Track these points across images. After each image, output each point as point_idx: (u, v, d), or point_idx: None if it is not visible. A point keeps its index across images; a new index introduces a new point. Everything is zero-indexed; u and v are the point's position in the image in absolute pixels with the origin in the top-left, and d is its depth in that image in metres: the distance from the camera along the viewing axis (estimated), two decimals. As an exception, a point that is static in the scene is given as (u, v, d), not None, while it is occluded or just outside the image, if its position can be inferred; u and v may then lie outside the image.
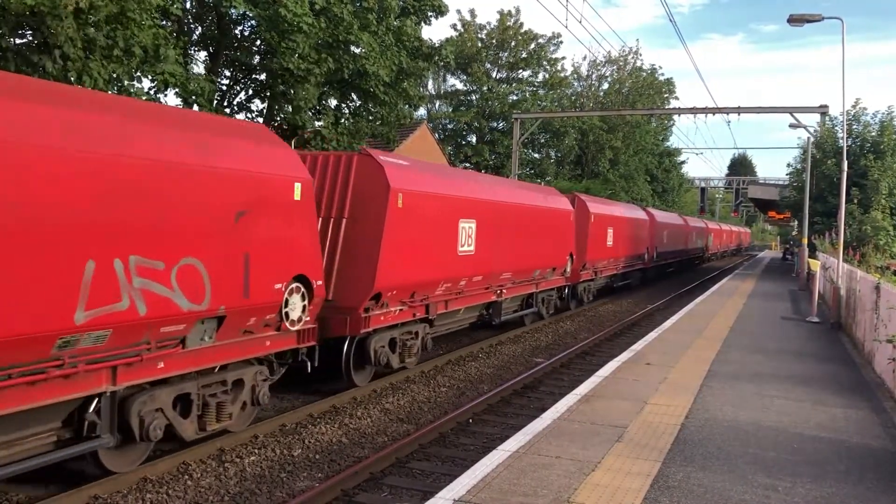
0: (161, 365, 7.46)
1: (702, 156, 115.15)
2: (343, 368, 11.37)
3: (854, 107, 31.90)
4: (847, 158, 21.34)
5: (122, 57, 14.04)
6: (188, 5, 20.96)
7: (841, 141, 26.25)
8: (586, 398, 9.69)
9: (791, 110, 31.02)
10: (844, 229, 21.61)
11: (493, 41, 47.65)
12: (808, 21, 19.50)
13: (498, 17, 48.32)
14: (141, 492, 7.46)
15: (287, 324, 9.12)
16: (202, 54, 23.02)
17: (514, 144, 38.20)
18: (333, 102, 24.17)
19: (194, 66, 21.66)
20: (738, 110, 33.39)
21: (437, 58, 25.46)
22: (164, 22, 18.30)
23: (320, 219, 10.93)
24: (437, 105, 48.91)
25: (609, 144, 50.22)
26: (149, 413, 7.54)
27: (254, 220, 8.29)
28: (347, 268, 10.93)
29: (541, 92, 48.27)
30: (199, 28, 22.52)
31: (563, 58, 64.62)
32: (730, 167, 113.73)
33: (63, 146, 6.20)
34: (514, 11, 51.40)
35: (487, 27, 47.90)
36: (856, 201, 28.22)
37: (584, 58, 72.68)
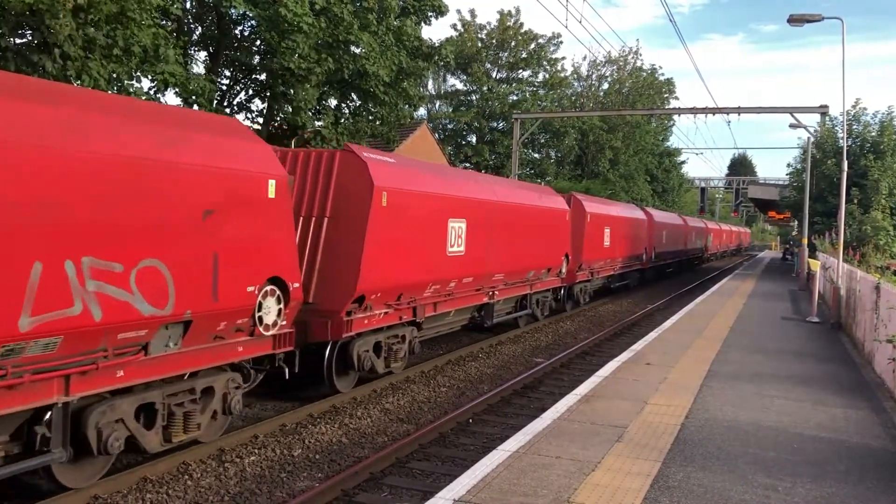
0: (121, 373, 6.98)
1: (702, 156, 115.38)
2: (325, 374, 10.94)
3: (854, 107, 31.99)
4: (847, 158, 21.35)
5: (122, 56, 14.05)
6: (188, 5, 20.99)
7: (841, 141, 26.26)
8: (586, 398, 9.69)
9: (791, 110, 31.03)
10: (844, 229, 21.62)
11: (493, 41, 47.67)
12: (808, 21, 19.52)
13: (498, 17, 48.44)
14: (141, 492, 7.46)
15: (261, 329, 8.59)
16: (202, 54, 23.09)
17: (514, 144, 38.21)
18: (333, 102, 24.20)
19: (194, 66, 21.68)
20: (738, 110, 33.40)
21: (436, 57, 25.49)
22: (164, 22, 18.31)
23: (301, 218, 10.64)
24: (437, 105, 48.95)
25: (609, 144, 50.24)
26: (108, 424, 7.08)
27: (223, 218, 7.80)
28: (329, 269, 10.51)
29: (541, 92, 48.30)
30: (199, 28, 22.56)
31: (563, 58, 64.83)
32: (730, 167, 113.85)
33: (3, 138, 5.74)
34: (514, 11, 51.50)
35: (487, 27, 47.97)
36: (856, 201, 28.24)
37: (584, 58, 72.89)
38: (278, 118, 22.61)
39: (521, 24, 47.79)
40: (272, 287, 8.67)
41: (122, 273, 6.65)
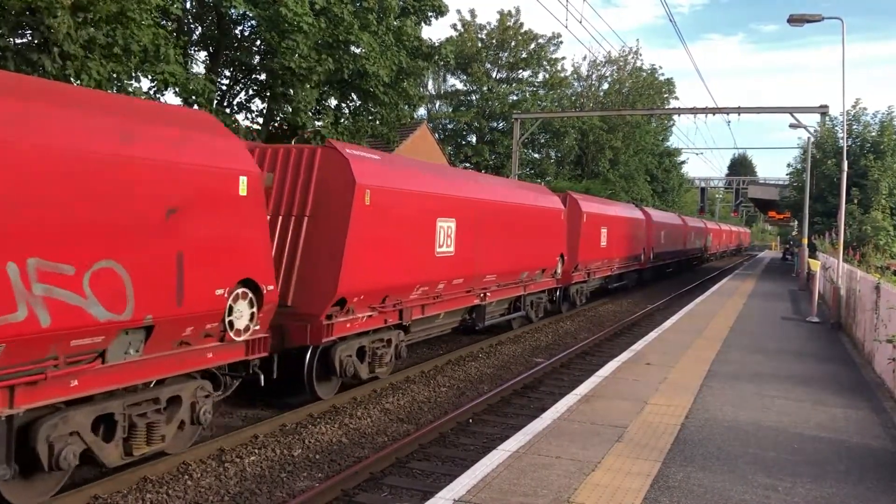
0: (74, 383, 6.49)
1: (702, 156, 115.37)
2: (305, 380, 10.50)
3: (854, 107, 32.00)
4: (847, 158, 21.36)
5: (122, 56, 14.04)
6: (188, 5, 20.98)
7: (841, 141, 26.26)
8: (586, 398, 9.69)
9: (791, 110, 31.04)
10: (844, 229, 21.62)
11: (493, 41, 47.68)
12: (808, 21, 19.52)
13: (498, 17, 48.44)
14: (141, 492, 7.45)
15: (232, 334, 8.12)
16: (202, 54, 23.06)
17: (514, 144, 38.21)
18: (333, 102, 24.19)
19: (194, 66, 21.68)
20: (738, 110, 33.40)
21: (436, 57, 25.47)
22: (164, 21, 18.31)
23: (280, 217, 10.27)
24: (437, 105, 48.94)
25: (609, 144, 50.24)
26: (60, 438, 6.55)
27: (189, 217, 7.30)
28: (308, 271, 10.02)
29: (541, 92, 48.30)
30: (199, 28, 22.55)
31: (563, 58, 64.81)
32: (730, 167, 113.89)
33: None
34: (514, 11, 51.48)
35: (487, 27, 47.96)
36: (856, 201, 28.25)
37: (584, 58, 72.85)
38: (278, 118, 22.60)
39: (521, 24, 47.84)
40: (244, 290, 8.22)
41: (74, 276, 6.17)
